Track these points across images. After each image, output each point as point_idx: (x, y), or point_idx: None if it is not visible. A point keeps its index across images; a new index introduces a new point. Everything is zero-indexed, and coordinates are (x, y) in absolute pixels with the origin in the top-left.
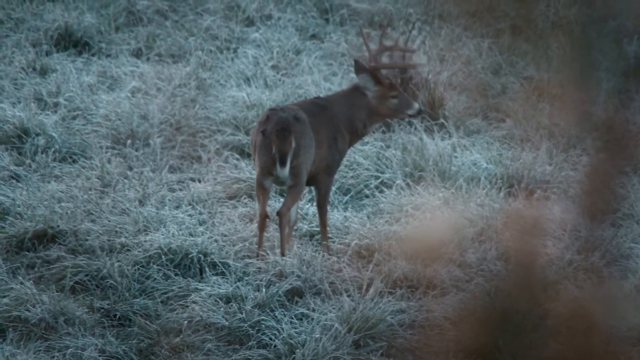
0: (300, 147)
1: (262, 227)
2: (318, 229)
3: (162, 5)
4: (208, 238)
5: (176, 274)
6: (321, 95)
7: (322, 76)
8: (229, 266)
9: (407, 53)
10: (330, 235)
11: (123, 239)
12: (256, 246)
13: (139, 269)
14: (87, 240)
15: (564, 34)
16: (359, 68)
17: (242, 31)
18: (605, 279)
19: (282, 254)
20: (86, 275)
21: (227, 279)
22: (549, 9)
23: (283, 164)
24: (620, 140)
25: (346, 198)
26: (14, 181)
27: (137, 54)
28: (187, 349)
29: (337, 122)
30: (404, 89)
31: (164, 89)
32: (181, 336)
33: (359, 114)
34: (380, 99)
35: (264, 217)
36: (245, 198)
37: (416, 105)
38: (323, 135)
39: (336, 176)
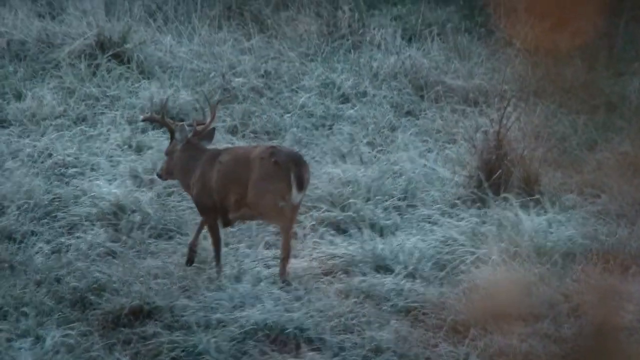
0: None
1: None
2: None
3: (258, 82)
4: (304, 314)
5: (272, 350)
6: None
7: (417, 152)
8: (325, 341)
9: None
10: (426, 310)
11: (219, 315)
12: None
13: (235, 344)
14: (183, 316)
15: None
16: None
17: (338, 108)
18: None
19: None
20: (182, 351)
21: (323, 354)
22: None
23: (302, 188)
24: None
25: (442, 273)
26: (110, 257)
27: (233, 130)
28: None
29: None
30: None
31: None
32: None
33: None
34: None
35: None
36: (341, 274)
37: None
38: None
39: (431, 251)
